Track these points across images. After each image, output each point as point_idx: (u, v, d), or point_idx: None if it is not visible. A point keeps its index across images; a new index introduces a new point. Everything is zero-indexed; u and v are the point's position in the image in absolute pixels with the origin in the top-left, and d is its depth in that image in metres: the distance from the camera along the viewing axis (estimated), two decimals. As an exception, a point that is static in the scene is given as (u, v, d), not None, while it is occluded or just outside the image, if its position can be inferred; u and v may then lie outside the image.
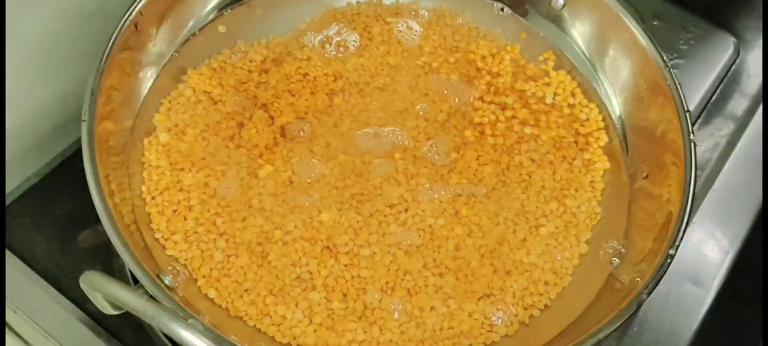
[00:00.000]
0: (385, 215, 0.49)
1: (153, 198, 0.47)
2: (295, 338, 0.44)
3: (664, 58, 0.51)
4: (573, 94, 0.56)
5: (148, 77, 0.52)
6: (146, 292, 0.38)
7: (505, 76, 0.56)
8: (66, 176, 0.55)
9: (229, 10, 0.56)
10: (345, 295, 0.46)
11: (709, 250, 0.57)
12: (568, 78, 0.56)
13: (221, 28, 0.55)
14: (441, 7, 0.59)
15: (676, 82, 0.50)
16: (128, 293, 0.37)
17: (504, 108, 0.55)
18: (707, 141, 0.63)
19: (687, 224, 0.45)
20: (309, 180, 0.50)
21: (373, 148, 0.52)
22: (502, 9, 0.59)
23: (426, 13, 0.59)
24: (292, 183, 0.49)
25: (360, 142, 0.52)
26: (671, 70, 0.50)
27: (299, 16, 0.58)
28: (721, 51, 0.68)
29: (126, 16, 0.47)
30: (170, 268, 0.45)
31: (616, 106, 0.55)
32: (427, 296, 0.46)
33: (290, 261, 0.46)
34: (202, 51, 0.54)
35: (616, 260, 0.48)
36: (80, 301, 0.49)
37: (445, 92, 0.55)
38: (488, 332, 0.46)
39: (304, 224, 0.48)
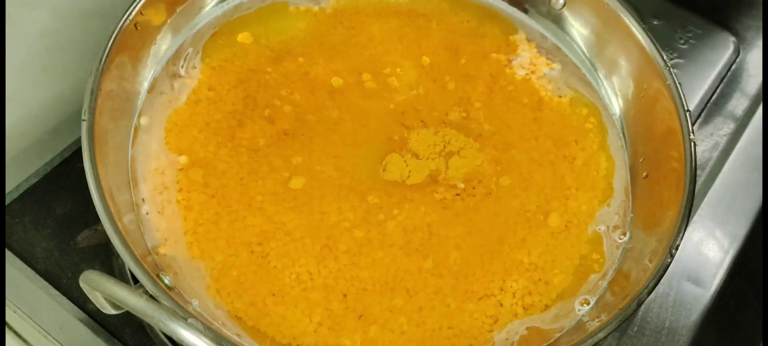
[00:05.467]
0: (385, 215, 0.49)
1: (153, 198, 0.47)
2: (295, 338, 0.44)
3: (664, 57, 0.51)
4: (573, 93, 0.56)
5: (147, 77, 0.51)
6: (146, 292, 0.38)
7: (506, 75, 0.56)
8: (66, 176, 0.55)
9: (229, 9, 0.56)
10: (345, 295, 0.46)
11: (709, 250, 0.57)
12: (568, 76, 0.57)
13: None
14: (441, 7, 0.59)
15: (676, 82, 0.50)
16: (128, 292, 0.37)
17: (504, 106, 0.55)
18: (707, 141, 0.63)
19: (687, 224, 0.45)
20: (309, 179, 0.50)
21: (374, 146, 0.52)
22: (501, 7, 0.59)
23: (426, 12, 0.59)
24: (292, 182, 0.49)
25: (360, 141, 0.52)
26: (671, 70, 0.50)
27: (299, 14, 0.58)
28: (721, 51, 0.68)
29: (126, 16, 0.47)
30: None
31: (616, 105, 0.55)
32: (427, 296, 0.46)
33: (290, 261, 0.46)
34: (202, 50, 0.54)
35: (623, 238, 0.48)
36: (80, 301, 0.49)
37: (446, 90, 0.55)
38: (488, 332, 0.46)
39: (304, 223, 0.48)
